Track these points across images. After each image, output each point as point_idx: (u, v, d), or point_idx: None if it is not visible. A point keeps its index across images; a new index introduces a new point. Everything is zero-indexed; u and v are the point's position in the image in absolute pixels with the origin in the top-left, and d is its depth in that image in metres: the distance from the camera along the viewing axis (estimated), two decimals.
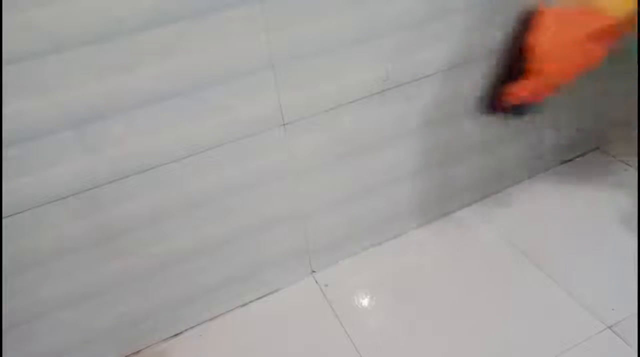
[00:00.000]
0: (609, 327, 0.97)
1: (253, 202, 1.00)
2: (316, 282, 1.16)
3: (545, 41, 0.97)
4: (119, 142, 0.82)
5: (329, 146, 1.01)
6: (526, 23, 1.00)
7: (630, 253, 1.10)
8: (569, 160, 1.37)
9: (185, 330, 1.09)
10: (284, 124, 0.93)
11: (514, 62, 1.00)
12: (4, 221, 0.80)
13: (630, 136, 1.41)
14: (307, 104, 0.94)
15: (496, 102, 1.06)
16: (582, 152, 1.38)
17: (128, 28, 0.73)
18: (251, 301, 1.13)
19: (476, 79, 1.06)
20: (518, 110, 1.05)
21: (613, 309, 0.99)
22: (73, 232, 0.87)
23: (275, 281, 1.14)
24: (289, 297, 1.13)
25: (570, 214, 1.22)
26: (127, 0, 0.72)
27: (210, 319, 1.11)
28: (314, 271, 1.18)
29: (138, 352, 1.06)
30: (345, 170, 1.06)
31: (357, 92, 0.97)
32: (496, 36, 1.03)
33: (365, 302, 1.10)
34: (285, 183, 1.01)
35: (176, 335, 1.09)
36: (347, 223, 1.14)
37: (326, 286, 1.14)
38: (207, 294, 1.07)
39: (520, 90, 1.01)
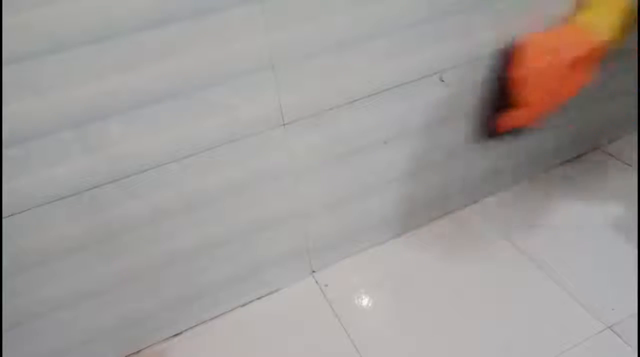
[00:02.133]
0: (609, 327, 0.97)
1: (253, 202, 1.00)
2: (316, 282, 1.16)
3: (527, 73, 0.97)
4: (119, 142, 0.82)
5: (328, 146, 1.01)
6: (508, 55, 1.00)
7: (630, 253, 1.10)
8: (569, 160, 1.37)
9: (185, 330, 1.09)
10: (284, 124, 0.93)
11: (501, 92, 1.01)
12: (4, 221, 0.80)
13: (630, 136, 1.41)
14: (307, 104, 0.93)
15: (489, 130, 1.08)
16: (582, 152, 1.38)
17: (128, 28, 0.73)
18: (251, 301, 1.13)
19: (476, 81, 1.06)
20: (512, 133, 1.06)
21: (613, 309, 0.99)
22: (73, 232, 0.87)
23: (275, 281, 1.14)
24: (289, 297, 1.13)
25: (570, 214, 1.22)
26: (127, 0, 0.72)
27: (210, 319, 1.11)
28: (314, 271, 1.18)
29: (138, 352, 1.06)
30: (345, 170, 1.06)
31: (357, 92, 0.97)
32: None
33: (365, 302, 1.10)
34: (285, 183, 1.01)
35: (176, 335, 1.09)
36: (347, 223, 1.14)
37: (326, 286, 1.14)
38: (207, 294, 1.07)
39: (510, 121, 1.02)
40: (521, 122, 1.03)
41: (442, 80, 0.91)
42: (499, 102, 1.01)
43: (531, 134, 1.12)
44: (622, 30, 0.94)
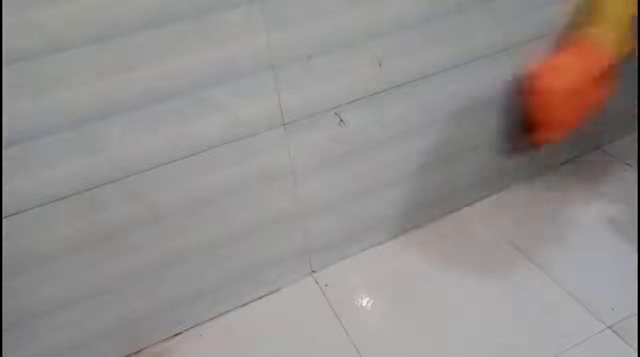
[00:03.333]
0: (609, 327, 0.97)
1: (253, 202, 1.00)
2: (316, 282, 1.16)
3: (547, 97, 0.97)
4: (119, 142, 0.82)
5: (328, 146, 1.01)
6: (523, 81, 0.99)
7: (630, 253, 1.10)
8: (569, 160, 1.37)
9: (185, 330, 1.09)
10: (284, 124, 0.93)
11: (522, 117, 0.99)
12: (4, 221, 0.80)
13: (630, 136, 1.41)
14: (307, 104, 0.93)
15: (515, 149, 1.06)
16: (582, 152, 1.38)
17: (128, 28, 0.73)
18: (251, 301, 1.13)
19: (476, 79, 1.06)
20: (536, 147, 1.04)
21: (613, 309, 0.99)
22: (73, 232, 0.87)
23: (275, 281, 1.14)
24: (289, 297, 1.13)
25: (571, 214, 1.22)
26: (127, 0, 0.72)
27: (210, 319, 1.11)
28: (314, 271, 1.18)
29: (138, 352, 1.06)
30: (345, 170, 1.06)
31: (357, 92, 0.97)
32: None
33: (365, 302, 1.10)
34: (285, 183, 1.01)
35: (176, 335, 1.09)
36: (347, 223, 1.14)
37: (326, 286, 1.14)
38: (207, 294, 1.07)
39: (535, 140, 1.01)
40: (546, 140, 1.02)
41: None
42: (522, 125, 1.00)
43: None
44: (629, 41, 0.94)
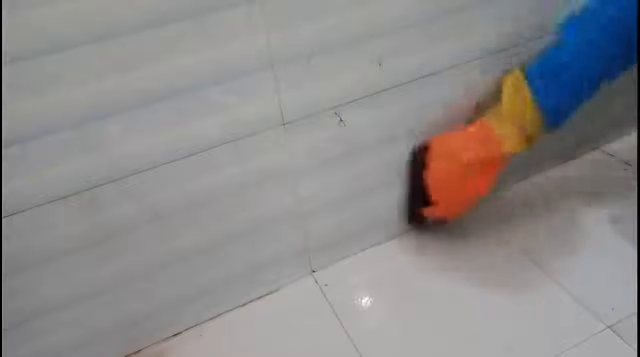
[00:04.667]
0: (609, 327, 0.97)
1: (253, 202, 1.00)
2: (316, 282, 1.16)
3: (430, 174, 1.03)
4: (119, 142, 0.82)
5: (328, 146, 1.01)
6: (420, 154, 1.06)
7: (630, 253, 1.10)
8: (569, 161, 1.37)
9: (185, 330, 1.09)
10: (283, 124, 0.93)
11: (420, 186, 1.07)
12: (4, 221, 0.80)
13: (630, 136, 1.41)
14: (307, 104, 0.94)
15: (415, 216, 1.16)
16: (582, 152, 1.38)
17: (128, 28, 0.73)
18: (251, 301, 1.13)
19: (473, 80, 1.07)
20: (436, 223, 1.15)
21: (613, 309, 0.99)
22: (73, 232, 0.87)
23: (275, 281, 1.14)
24: (289, 297, 1.13)
25: (570, 214, 1.22)
26: (127, 0, 0.72)
27: (210, 319, 1.11)
28: (314, 271, 1.18)
29: (138, 352, 1.06)
30: (345, 170, 1.06)
31: (357, 92, 0.97)
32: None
33: (365, 302, 1.10)
34: (285, 183, 1.01)
35: (176, 335, 1.09)
36: (347, 223, 1.14)
37: (326, 286, 1.14)
38: (207, 294, 1.07)
39: (428, 213, 1.09)
40: (436, 216, 1.10)
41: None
42: (420, 195, 1.08)
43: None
44: (529, 141, 0.96)
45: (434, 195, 1.04)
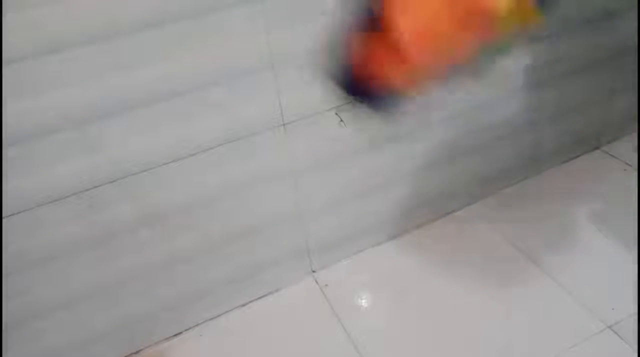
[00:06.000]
0: (609, 327, 0.97)
1: (253, 201, 1.00)
2: (316, 282, 1.16)
3: (411, 19, 0.80)
4: (119, 142, 0.82)
5: (328, 146, 1.01)
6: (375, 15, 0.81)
7: (630, 253, 1.10)
8: (569, 160, 1.37)
9: (185, 330, 1.09)
10: (284, 124, 0.93)
11: (376, 33, 0.81)
12: (4, 221, 0.80)
13: (630, 136, 1.41)
14: (307, 104, 0.93)
15: (357, 81, 0.88)
16: (582, 152, 1.38)
17: (128, 28, 0.73)
18: (251, 301, 1.13)
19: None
20: (384, 98, 0.88)
21: (613, 309, 0.99)
22: (73, 232, 0.87)
23: (275, 281, 1.14)
24: (289, 297, 1.13)
25: (570, 214, 1.22)
26: (127, 0, 0.72)
27: (210, 319, 1.11)
28: (314, 271, 1.18)
29: (138, 352, 1.06)
30: (345, 170, 1.06)
31: None
32: None
33: (365, 302, 1.10)
34: (285, 183, 1.01)
35: (176, 335, 1.09)
36: (347, 223, 1.14)
37: (326, 286, 1.14)
38: (207, 294, 1.07)
39: (386, 75, 0.85)
40: (398, 81, 0.85)
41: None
42: (374, 48, 0.82)
43: (394, 107, 0.91)
44: (520, 9, 0.80)
45: (409, 44, 0.80)
